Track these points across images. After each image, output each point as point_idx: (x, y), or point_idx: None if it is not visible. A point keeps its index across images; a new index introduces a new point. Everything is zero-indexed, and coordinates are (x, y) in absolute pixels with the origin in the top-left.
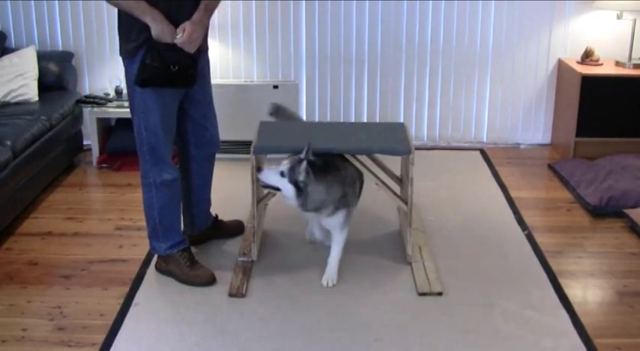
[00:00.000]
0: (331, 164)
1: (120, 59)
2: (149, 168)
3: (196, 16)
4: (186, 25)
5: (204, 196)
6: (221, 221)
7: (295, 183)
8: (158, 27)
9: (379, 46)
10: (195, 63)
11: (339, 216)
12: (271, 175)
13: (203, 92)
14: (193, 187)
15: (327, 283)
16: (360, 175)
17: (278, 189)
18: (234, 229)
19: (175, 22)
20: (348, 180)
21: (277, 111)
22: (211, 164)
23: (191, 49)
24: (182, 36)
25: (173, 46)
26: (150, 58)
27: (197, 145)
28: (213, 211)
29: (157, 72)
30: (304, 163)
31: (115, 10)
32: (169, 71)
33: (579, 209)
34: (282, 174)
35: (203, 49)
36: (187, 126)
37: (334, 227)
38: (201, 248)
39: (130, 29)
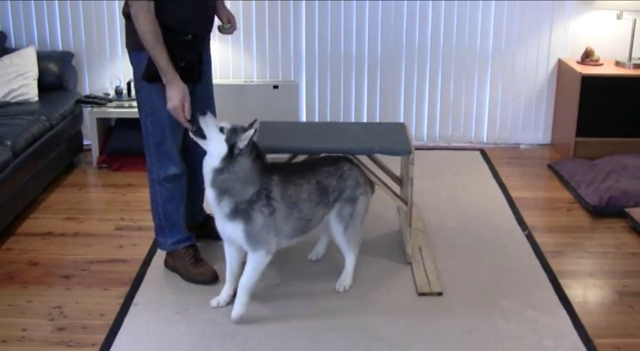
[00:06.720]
0: (286, 170)
1: (120, 59)
2: (153, 163)
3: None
4: (231, 17)
5: (201, 190)
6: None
7: (232, 145)
8: (174, 99)
9: (379, 46)
10: (200, 59)
11: (238, 228)
12: (211, 124)
13: (204, 88)
14: (197, 182)
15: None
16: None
17: (204, 138)
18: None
19: (205, 11)
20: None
21: None
22: None
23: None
24: (230, 26)
25: (182, 43)
26: None
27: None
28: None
29: None
30: (252, 132)
31: (116, 11)
32: (177, 67)
33: (579, 209)
34: (221, 130)
35: (207, 46)
36: None
37: (237, 239)
38: (202, 249)
39: None
